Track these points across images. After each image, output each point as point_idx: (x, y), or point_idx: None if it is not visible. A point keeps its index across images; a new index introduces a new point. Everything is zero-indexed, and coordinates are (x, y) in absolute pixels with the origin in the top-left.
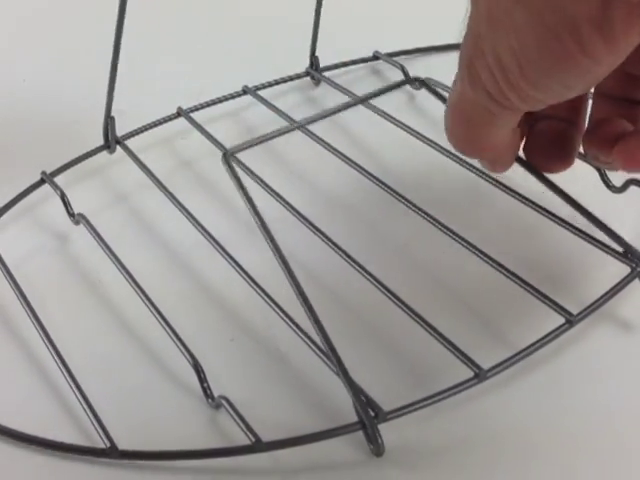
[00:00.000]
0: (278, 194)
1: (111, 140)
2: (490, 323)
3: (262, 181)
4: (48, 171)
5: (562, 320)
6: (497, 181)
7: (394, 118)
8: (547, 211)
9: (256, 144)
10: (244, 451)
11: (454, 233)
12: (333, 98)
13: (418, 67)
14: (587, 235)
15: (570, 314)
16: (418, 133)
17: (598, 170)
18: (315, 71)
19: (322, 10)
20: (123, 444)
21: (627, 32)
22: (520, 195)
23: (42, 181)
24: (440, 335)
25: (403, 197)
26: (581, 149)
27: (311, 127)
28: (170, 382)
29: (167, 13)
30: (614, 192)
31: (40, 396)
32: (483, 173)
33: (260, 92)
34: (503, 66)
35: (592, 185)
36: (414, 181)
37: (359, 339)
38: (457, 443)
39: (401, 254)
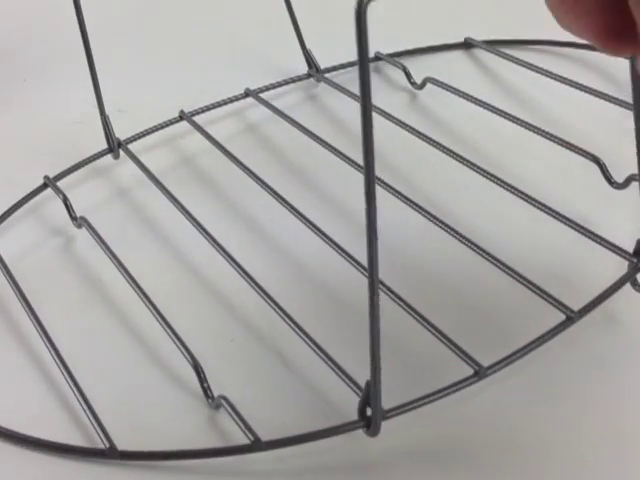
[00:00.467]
0: (280, 195)
1: (114, 145)
2: (490, 320)
3: (268, 187)
4: (51, 174)
5: (562, 317)
6: (497, 178)
7: (395, 118)
8: (547, 207)
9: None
10: (244, 450)
11: (454, 230)
12: (334, 99)
13: (419, 67)
14: (588, 231)
15: (571, 311)
16: (419, 132)
17: (600, 166)
18: (315, 72)
19: (322, 10)
20: (123, 444)
21: None
22: (520, 192)
23: (45, 185)
24: (440, 332)
25: (403, 196)
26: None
27: (311, 127)
28: (170, 382)
29: (168, 14)
30: (616, 188)
31: (40, 396)
32: (484, 171)
33: (262, 94)
34: None
35: (594, 181)
36: (414, 180)
37: (359, 337)
38: (457, 441)
39: (401, 252)
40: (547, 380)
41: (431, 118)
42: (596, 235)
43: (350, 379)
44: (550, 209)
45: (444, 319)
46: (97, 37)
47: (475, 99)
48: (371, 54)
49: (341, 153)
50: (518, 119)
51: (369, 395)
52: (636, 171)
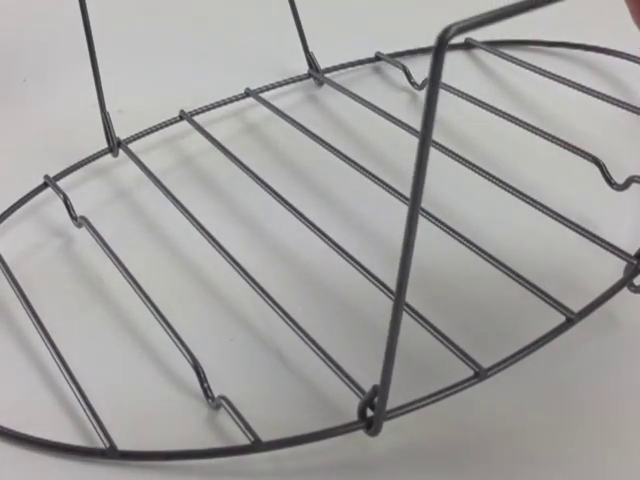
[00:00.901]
0: (280, 195)
1: (114, 144)
2: (490, 321)
3: (268, 186)
4: (51, 173)
5: (563, 318)
6: (497, 179)
7: (395, 118)
8: (548, 208)
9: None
10: (244, 451)
11: (454, 231)
12: (335, 99)
13: (419, 67)
14: (588, 233)
15: (571, 312)
16: (419, 132)
17: (600, 168)
18: (316, 72)
19: (323, 10)
20: (123, 444)
21: None
22: (521, 193)
23: (45, 185)
24: (440, 334)
25: (403, 196)
26: None
27: (311, 127)
28: (170, 382)
29: (168, 14)
30: (616, 189)
31: (40, 396)
32: (483, 172)
33: (262, 94)
34: None
35: (594, 182)
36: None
37: (359, 338)
38: (457, 442)
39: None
40: (547, 381)
41: None
42: (596, 237)
43: (350, 380)
44: (550, 210)
45: (444, 320)
46: (97, 37)
47: (475, 99)
48: (371, 54)
49: (341, 153)
50: (518, 120)
51: (373, 397)
52: (636, 172)
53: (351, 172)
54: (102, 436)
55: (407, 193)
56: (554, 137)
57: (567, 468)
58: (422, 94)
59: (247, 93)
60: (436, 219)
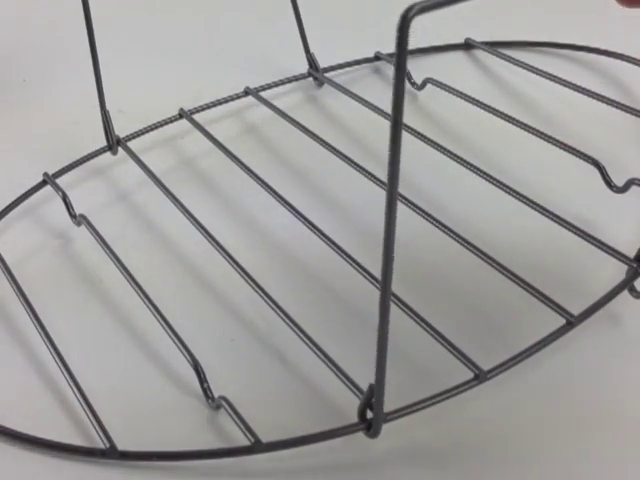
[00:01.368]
0: (279, 194)
1: (113, 142)
2: (490, 324)
3: (267, 185)
4: (50, 171)
5: (563, 321)
6: (497, 180)
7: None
8: (547, 210)
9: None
10: (244, 452)
11: (454, 233)
12: (335, 99)
13: (419, 67)
14: (588, 235)
15: (571, 315)
16: (419, 133)
17: (600, 170)
18: (316, 71)
19: (323, 11)
20: (123, 444)
21: None
22: (522, 195)
23: (44, 182)
24: (440, 336)
25: (403, 197)
26: None
27: (311, 126)
28: (170, 382)
29: (168, 13)
30: (616, 192)
31: (40, 396)
32: (483, 173)
33: (262, 93)
34: None
35: (594, 184)
36: (414, 180)
37: (360, 340)
38: (457, 444)
39: (401, 255)
40: (547, 383)
41: (431, 118)
42: (596, 239)
43: (350, 381)
44: (550, 212)
45: (445, 322)
46: (98, 36)
47: (475, 100)
48: (371, 54)
49: (340, 152)
50: (518, 121)
51: (371, 398)
52: (636, 175)
53: (351, 172)
54: (102, 436)
55: (407, 193)
56: (554, 139)
57: (567, 469)
58: (422, 94)
59: (247, 92)
60: (439, 222)
